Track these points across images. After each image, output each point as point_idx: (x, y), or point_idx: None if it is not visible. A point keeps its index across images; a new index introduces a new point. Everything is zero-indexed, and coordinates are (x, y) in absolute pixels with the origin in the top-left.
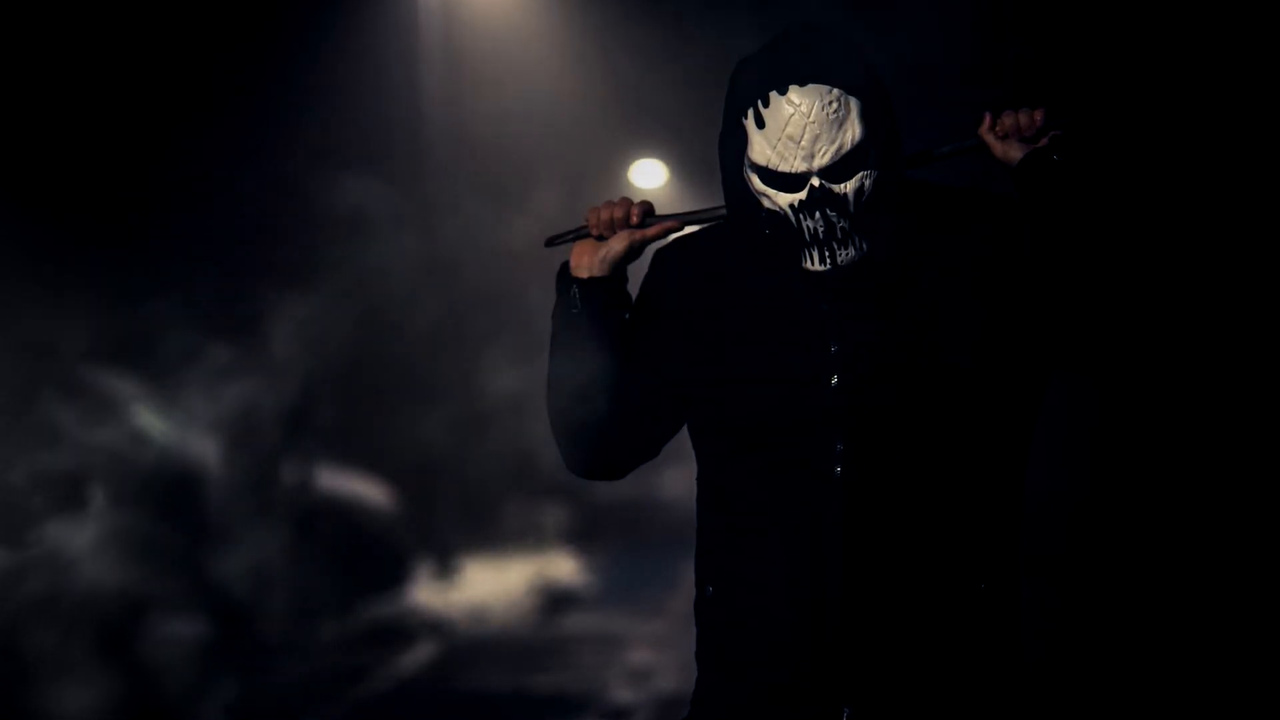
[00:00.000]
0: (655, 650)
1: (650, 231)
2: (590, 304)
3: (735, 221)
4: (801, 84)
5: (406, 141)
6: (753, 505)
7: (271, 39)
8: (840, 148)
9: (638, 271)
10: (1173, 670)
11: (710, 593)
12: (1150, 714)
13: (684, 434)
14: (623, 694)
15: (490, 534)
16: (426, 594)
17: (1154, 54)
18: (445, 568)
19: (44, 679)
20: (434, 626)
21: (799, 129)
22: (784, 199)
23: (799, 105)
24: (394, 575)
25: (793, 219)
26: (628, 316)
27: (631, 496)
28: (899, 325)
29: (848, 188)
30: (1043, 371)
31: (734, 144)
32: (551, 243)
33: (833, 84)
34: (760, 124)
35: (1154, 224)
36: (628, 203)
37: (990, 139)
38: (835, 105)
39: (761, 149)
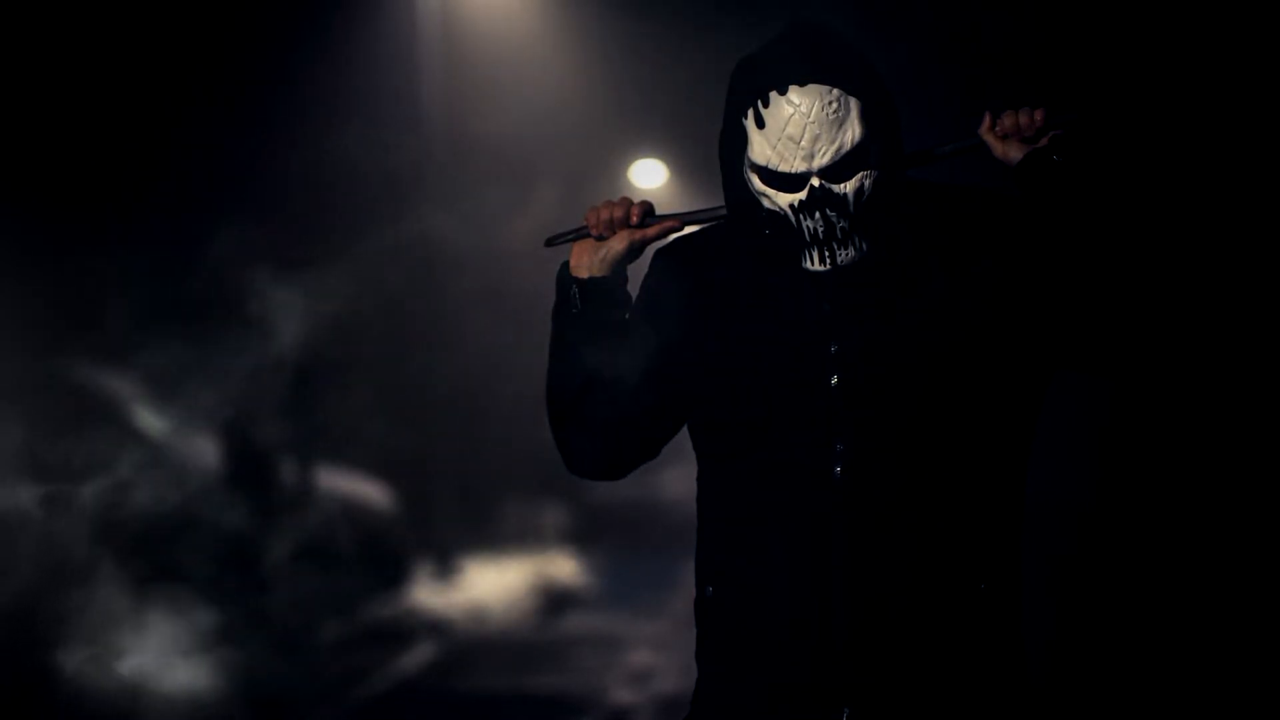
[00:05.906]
0: (656, 651)
1: (650, 231)
2: (590, 304)
3: (735, 221)
4: (801, 84)
5: (405, 141)
6: (753, 505)
7: (267, 39)
8: (840, 148)
9: (638, 271)
10: (1177, 672)
11: (710, 593)
12: (1153, 716)
13: (684, 434)
14: (623, 695)
15: (490, 534)
16: (425, 594)
17: (1154, 52)
18: (444, 568)
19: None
20: (433, 627)
21: (799, 129)
22: (784, 199)
23: (799, 105)
24: (393, 575)
25: (793, 219)
26: (627, 316)
27: (632, 497)
28: (899, 325)
29: (848, 188)
30: (1044, 371)
31: (734, 144)
32: (551, 242)
33: (833, 84)
34: (760, 124)
35: (1155, 223)
36: (628, 202)
37: (991, 139)
38: (835, 105)
39: (761, 149)
